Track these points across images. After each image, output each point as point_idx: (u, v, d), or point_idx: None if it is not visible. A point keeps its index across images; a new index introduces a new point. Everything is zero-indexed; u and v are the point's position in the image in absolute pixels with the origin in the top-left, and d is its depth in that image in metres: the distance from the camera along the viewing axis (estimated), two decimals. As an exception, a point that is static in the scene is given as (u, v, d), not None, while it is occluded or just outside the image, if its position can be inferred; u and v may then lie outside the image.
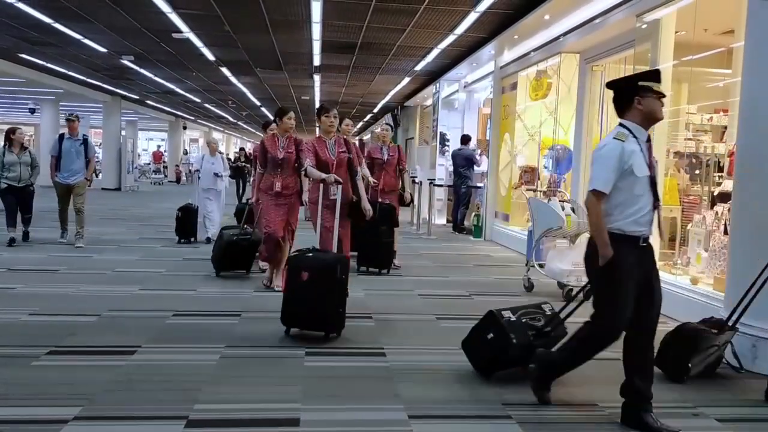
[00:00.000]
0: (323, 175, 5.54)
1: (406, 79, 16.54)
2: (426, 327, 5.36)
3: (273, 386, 3.79)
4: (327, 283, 4.60)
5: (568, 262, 6.61)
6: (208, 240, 9.29)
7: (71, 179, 8.92)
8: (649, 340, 3.40)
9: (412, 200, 8.78)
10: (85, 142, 9.07)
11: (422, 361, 4.41)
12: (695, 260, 6.10)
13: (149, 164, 34.78)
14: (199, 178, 10.00)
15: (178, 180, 31.07)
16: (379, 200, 7.74)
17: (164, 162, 34.42)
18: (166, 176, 32.60)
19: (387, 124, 7.32)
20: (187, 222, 9.75)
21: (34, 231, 9.31)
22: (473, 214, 12.29)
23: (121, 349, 4.35)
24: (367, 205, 5.75)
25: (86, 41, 12.89)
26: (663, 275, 6.28)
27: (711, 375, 4.22)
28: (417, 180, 12.83)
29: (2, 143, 9.11)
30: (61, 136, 9.08)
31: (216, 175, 9.68)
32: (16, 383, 3.69)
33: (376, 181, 7.71)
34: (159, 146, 40.86)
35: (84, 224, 8.93)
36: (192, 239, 9.72)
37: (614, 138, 3.33)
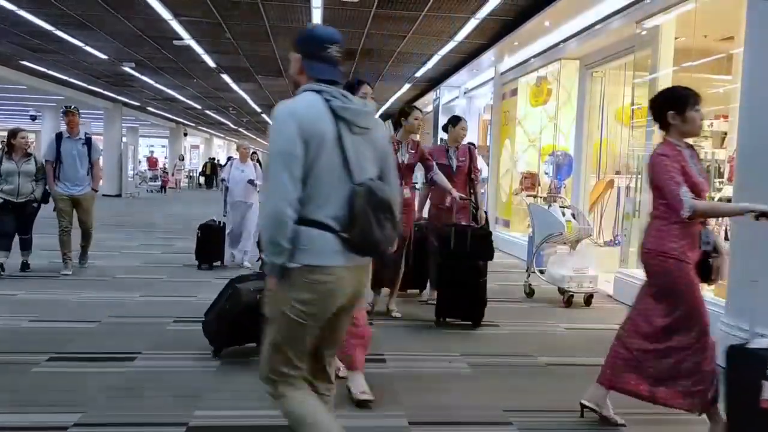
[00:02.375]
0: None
1: (407, 86, 16.57)
2: (426, 333, 5.35)
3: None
4: None
5: (568, 267, 6.61)
6: (242, 266, 8.02)
7: (76, 190, 7.21)
8: None
9: (487, 221, 6.38)
10: (88, 141, 7.36)
11: (422, 367, 4.40)
12: (696, 266, 6.08)
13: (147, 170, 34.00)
14: (227, 188, 8.30)
15: (163, 188, 28.91)
16: (461, 221, 5.86)
17: (164, 168, 33.25)
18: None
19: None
20: (209, 242, 8.02)
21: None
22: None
23: (121, 356, 4.34)
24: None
25: (87, 48, 12.93)
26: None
27: None
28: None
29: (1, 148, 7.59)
30: (59, 136, 7.27)
31: (250, 183, 8.12)
32: (16, 389, 3.68)
33: (463, 195, 5.80)
34: (152, 151, 38.42)
35: (91, 242, 7.53)
36: (217, 263, 8.13)
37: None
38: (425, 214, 6.55)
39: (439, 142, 15.23)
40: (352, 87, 5.20)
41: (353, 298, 2.38)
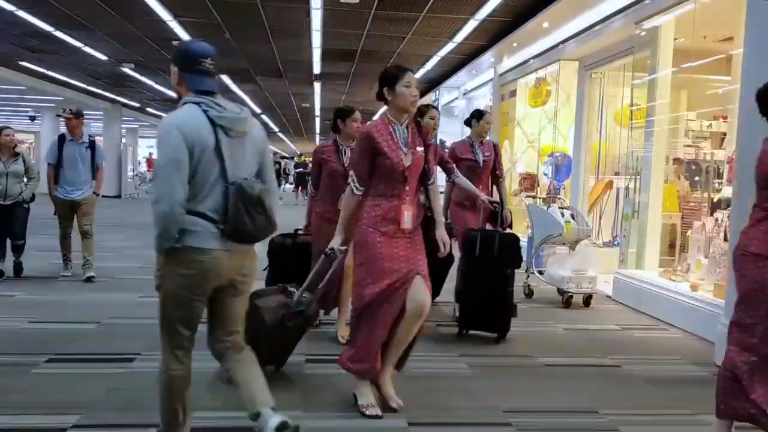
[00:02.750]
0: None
1: (406, 87, 16.57)
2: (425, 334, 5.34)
3: (273, 393, 3.75)
4: None
5: (567, 268, 6.61)
6: None
7: (76, 194, 6.94)
8: None
9: (511, 223, 5.97)
10: (92, 145, 7.08)
11: (422, 367, 4.39)
12: (695, 267, 6.10)
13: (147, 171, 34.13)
14: None
15: None
16: (488, 226, 5.58)
17: None
18: None
19: (434, 107, 5.76)
20: None
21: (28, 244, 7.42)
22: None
23: (120, 357, 4.34)
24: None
25: (87, 49, 12.93)
26: (663, 282, 6.32)
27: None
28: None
29: None
30: (61, 138, 6.99)
31: None
32: (15, 391, 3.68)
33: (491, 198, 5.53)
34: (151, 153, 38.32)
35: (93, 250, 7.18)
36: None
37: None
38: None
39: (443, 141, 15.27)
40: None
41: (234, 279, 2.74)
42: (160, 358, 2.76)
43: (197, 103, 2.68)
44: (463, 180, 5.25)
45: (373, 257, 3.39)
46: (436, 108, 5.70)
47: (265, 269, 4.97)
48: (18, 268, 7.08)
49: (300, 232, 5.14)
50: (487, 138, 5.89)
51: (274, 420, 2.71)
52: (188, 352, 2.77)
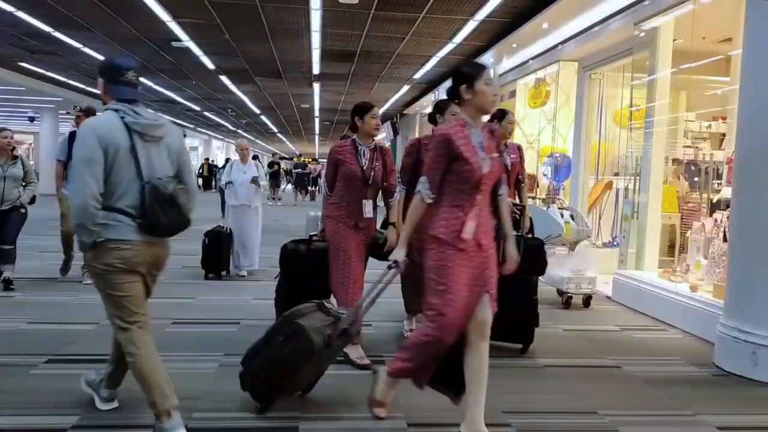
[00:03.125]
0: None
1: (405, 87, 16.59)
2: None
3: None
4: None
5: (567, 269, 6.61)
6: (242, 276, 7.62)
7: None
8: None
9: (531, 228, 5.81)
10: None
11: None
12: (695, 267, 6.10)
13: None
14: (222, 190, 7.73)
15: None
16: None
17: None
18: None
19: (510, 112, 5.61)
20: (217, 251, 7.44)
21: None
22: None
23: (119, 358, 4.34)
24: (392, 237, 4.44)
25: (86, 50, 12.94)
26: (662, 283, 6.32)
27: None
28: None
29: None
30: (72, 135, 6.47)
31: (254, 182, 7.58)
32: (14, 392, 3.68)
33: (515, 202, 5.30)
34: None
35: None
36: (224, 273, 7.61)
37: None
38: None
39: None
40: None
41: (153, 265, 3.15)
42: (116, 330, 3.11)
43: (116, 110, 3.01)
44: None
45: (452, 282, 3.06)
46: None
47: (276, 277, 4.91)
48: (7, 284, 6.46)
49: (315, 237, 4.83)
50: (510, 141, 5.57)
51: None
52: (143, 330, 3.11)
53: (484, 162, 3.11)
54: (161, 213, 2.98)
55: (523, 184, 5.64)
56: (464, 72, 3.17)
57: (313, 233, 4.89)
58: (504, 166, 4.93)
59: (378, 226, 4.69)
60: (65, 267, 7.16)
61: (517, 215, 5.19)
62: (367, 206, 4.47)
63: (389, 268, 3.27)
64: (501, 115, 5.40)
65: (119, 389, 3.46)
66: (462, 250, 3.08)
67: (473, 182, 3.09)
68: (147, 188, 2.96)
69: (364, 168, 4.46)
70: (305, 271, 4.66)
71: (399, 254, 3.21)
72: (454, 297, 3.04)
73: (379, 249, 4.59)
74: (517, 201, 5.51)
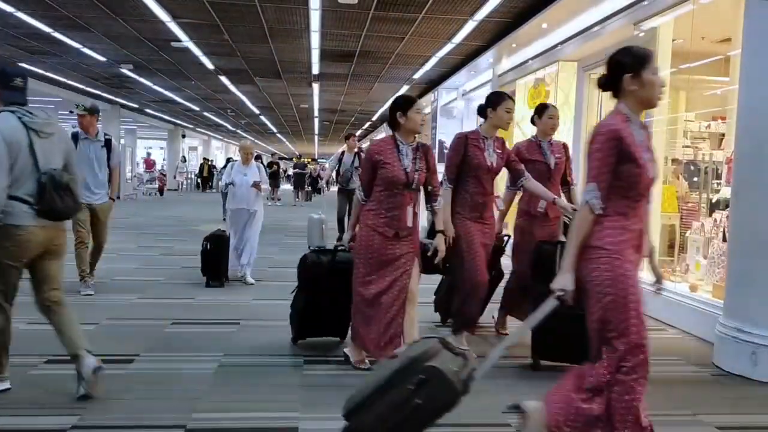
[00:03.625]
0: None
1: (405, 87, 16.59)
2: (425, 334, 5.33)
3: (271, 395, 3.78)
4: None
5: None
6: (240, 276, 7.30)
7: (94, 198, 6.30)
8: None
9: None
10: (108, 144, 6.48)
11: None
12: (694, 267, 6.11)
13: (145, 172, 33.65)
14: (224, 193, 7.26)
15: (161, 191, 27.80)
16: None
17: (162, 170, 32.49)
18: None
19: (553, 106, 5.23)
20: (217, 256, 6.98)
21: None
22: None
23: (119, 358, 4.34)
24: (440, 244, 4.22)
25: (85, 50, 12.92)
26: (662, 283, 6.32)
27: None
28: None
29: None
30: (74, 137, 6.24)
31: (255, 185, 7.21)
32: (14, 392, 3.69)
33: (569, 204, 4.76)
34: (149, 153, 37.58)
35: (98, 260, 6.62)
36: (224, 279, 7.13)
37: None
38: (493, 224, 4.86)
39: (436, 145, 15.27)
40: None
41: (49, 247, 3.57)
42: None
43: (12, 112, 3.45)
44: (534, 183, 4.56)
45: (635, 302, 2.66)
46: (513, 99, 4.86)
47: (292, 292, 4.74)
48: None
49: (341, 247, 4.41)
50: (555, 140, 5.10)
51: (91, 361, 3.56)
52: (5, 307, 3.71)
53: (650, 164, 2.69)
54: (58, 199, 3.42)
55: (572, 186, 5.13)
56: (630, 60, 2.70)
57: (339, 243, 4.49)
58: (547, 167, 4.87)
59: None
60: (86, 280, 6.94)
61: (568, 219, 4.73)
62: (410, 213, 4.03)
63: (557, 299, 2.71)
64: (541, 109, 5.04)
65: (126, 391, 3.45)
66: (635, 263, 2.72)
67: (643, 187, 2.69)
68: (45, 178, 3.41)
69: (408, 170, 3.99)
70: (325, 285, 4.36)
71: (567, 281, 2.70)
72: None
73: (430, 261, 4.24)
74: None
